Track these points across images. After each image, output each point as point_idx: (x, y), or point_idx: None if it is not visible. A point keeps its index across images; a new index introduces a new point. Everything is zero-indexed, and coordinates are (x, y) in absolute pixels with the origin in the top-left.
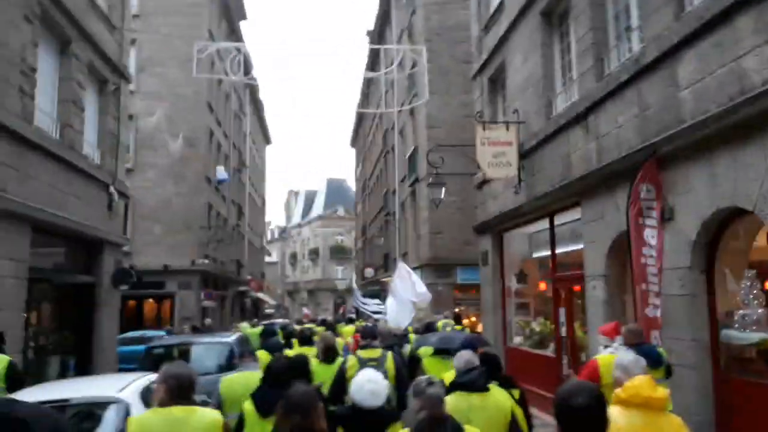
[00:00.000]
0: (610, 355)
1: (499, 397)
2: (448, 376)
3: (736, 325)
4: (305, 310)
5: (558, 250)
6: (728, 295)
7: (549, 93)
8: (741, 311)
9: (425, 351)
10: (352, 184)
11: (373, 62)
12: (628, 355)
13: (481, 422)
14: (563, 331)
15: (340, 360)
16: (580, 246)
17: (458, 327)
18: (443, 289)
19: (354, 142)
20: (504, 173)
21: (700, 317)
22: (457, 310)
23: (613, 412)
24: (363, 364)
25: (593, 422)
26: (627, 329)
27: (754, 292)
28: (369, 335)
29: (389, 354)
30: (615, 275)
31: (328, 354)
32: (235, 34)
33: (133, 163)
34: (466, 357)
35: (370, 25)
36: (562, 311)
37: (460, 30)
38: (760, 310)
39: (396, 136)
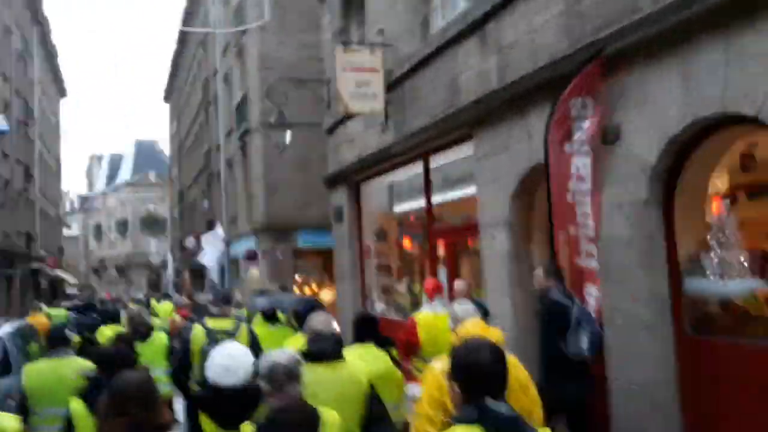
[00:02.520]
0: (428, 314)
1: (353, 369)
2: (292, 343)
3: (708, 273)
4: (105, 293)
5: (436, 199)
6: (692, 233)
7: (424, 8)
8: (711, 254)
9: (256, 319)
10: (165, 147)
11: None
12: (460, 306)
13: (331, 396)
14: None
15: (159, 336)
16: (470, 190)
17: None
18: (282, 256)
19: (168, 96)
20: (369, 107)
21: (657, 264)
22: (298, 277)
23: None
24: (212, 336)
25: (495, 377)
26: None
27: (727, 228)
28: (223, 300)
29: (243, 325)
30: (522, 221)
31: (141, 330)
32: None
33: None
34: (315, 326)
35: None
36: (441, 271)
37: None
38: (736, 251)
39: (219, 83)
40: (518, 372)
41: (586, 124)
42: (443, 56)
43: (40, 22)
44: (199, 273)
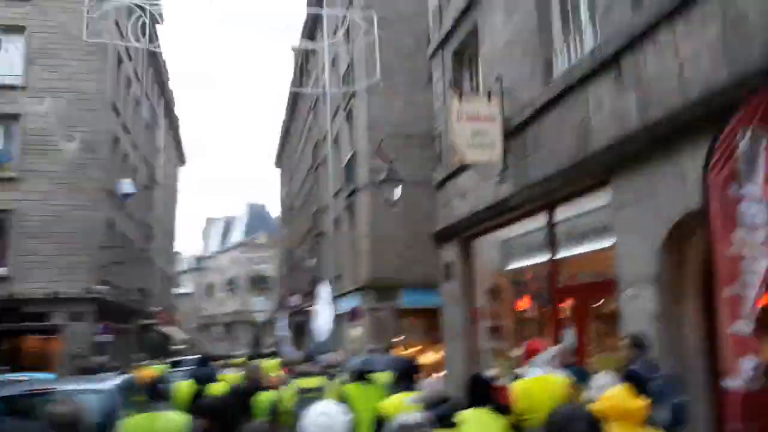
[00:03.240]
0: (525, 380)
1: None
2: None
3: None
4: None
5: (561, 254)
6: None
7: (546, 50)
8: None
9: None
10: (274, 210)
11: (301, 71)
12: (604, 377)
13: None
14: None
15: (266, 395)
16: (604, 243)
17: None
18: (385, 314)
19: (279, 161)
20: (486, 156)
21: None
22: (401, 337)
23: None
24: (301, 394)
25: None
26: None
27: None
28: (307, 358)
29: (331, 384)
30: (671, 278)
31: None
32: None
33: (16, 170)
34: (436, 386)
35: (296, 38)
36: (568, 333)
37: (402, 22)
38: None
39: (329, 145)
40: None
41: (760, 161)
42: (570, 98)
43: (165, 94)
44: (301, 331)
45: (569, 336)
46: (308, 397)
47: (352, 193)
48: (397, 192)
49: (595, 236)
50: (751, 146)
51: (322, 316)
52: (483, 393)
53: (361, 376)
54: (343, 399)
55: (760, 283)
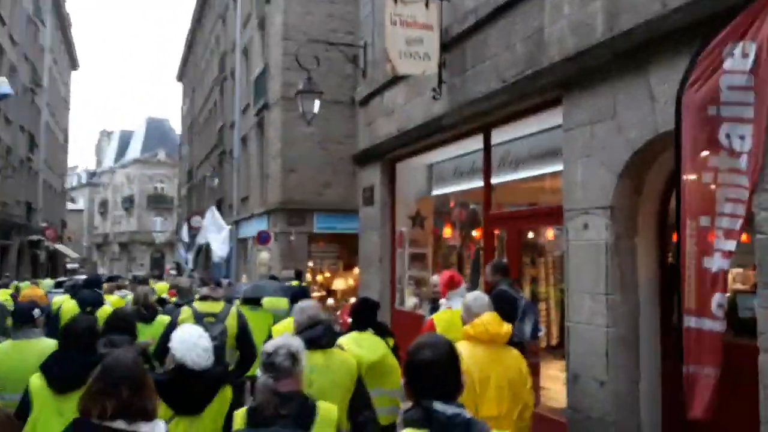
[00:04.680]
0: (445, 312)
1: (345, 356)
2: (279, 329)
3: None
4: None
5: (496, 180)
6: None
7: None
8: None
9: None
10: (176, 126)
11: None
12: (471, 294)
13: (324, 383)
14: None
15: (162, 318)
16: (549, 169)
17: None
18: (296, 239)
19: (182, 74)
20: (421, 68)
21: None
22: (311, 264)
23: (460, 347)
24: (199, 319)
25: (442, 378)
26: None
27: None
28: (213, 281)
29: (233, 308)
30: (628, 207)
31: (143, 312)
32: None
33: None
34: (309, 311)
35: None
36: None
37: None
38: None
39: (238, 56)
40: (521, 364)
41: (749, 79)
42: (522, 6)
43: None
44: (205, 254)
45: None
46: (208, 322)
47: (263, 109)
48: (316, 105)
49: (537, 161)
50: (738, 62)
51: (215, 241)
52: (367, 316)
53: (251, 300)
54: (242, 323)
55: (744, 214)
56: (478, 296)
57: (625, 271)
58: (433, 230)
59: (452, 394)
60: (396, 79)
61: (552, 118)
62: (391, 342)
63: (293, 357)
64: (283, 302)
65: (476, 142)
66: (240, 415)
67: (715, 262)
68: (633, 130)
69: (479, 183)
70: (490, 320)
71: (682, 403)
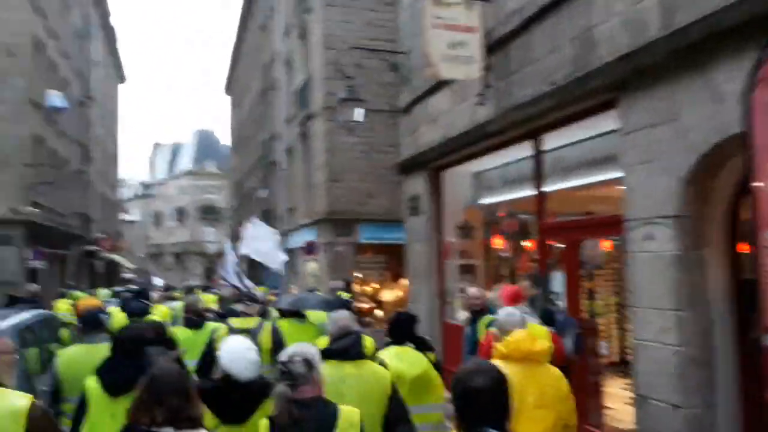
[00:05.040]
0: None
1: (377, 369)
2: (322, 343)
3: None
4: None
5: (548, 188)
6: None
7: None
8: None
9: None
10: (225, 139)
11: None
12: (503, 311)
13: (355, 394)
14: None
15: (210, 326)
16: (607, 175)
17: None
18: (343, 249)
19: (229, 87)
20: (464, 73)
21: None
22: (359, 275)
23: None
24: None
25: (493, 405)
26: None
27: None
28: (247, 298)
29: (267, 324)
30: (694, 217)
31: (192, 319)
32: None
33: None
34: (341, 322)
35: None
36: (557, 277)
37: None
38: None
39: (281, 67)
40: (560, 382)
41: None
42: (570, 4)
43: (100, 2)
44: (257, 264)
45: (557, 281)
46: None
47: (307, 119)
48: (359, 113)
49: (591, 168)
50: None
51: (263, 250)
52: (404, 329)
53: (293, 313)
54: (276, 334)
55: None
56: (511, 312)
57: (695, 285)
58: (482, 241)
59: (503, 421)
60: (439, 85)
61: (605, 121)
62: (433, 357)
63: (308, 363)
64: (323, 316)
65: (524, 149)
66: (263, 426)
67: None
68: (697, 133)
69: (529, 191)
70: (522, 338)
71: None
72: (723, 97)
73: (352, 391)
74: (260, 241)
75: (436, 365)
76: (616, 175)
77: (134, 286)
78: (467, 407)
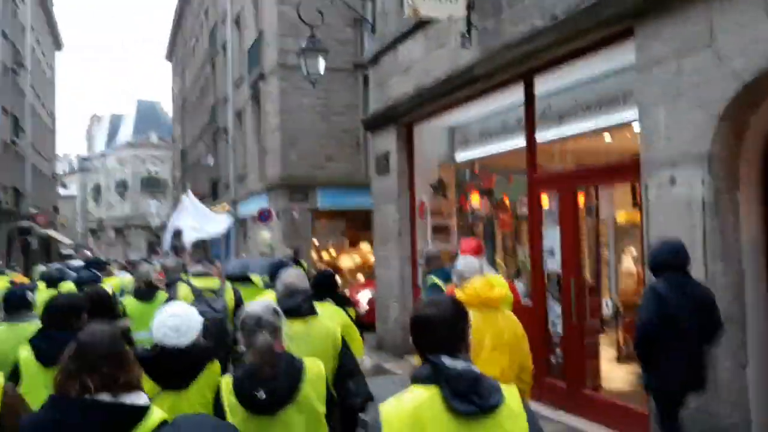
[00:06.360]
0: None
1: (326, 323)
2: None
3: None
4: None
5: (543, 136)
6: None
7: None
8: None
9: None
10: (169, 109)
11: None
12: (462, 259)
13: (305, 351)
14: (551, 264)
15: (161, 296)
16: (616, 117)
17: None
18: (299, 216)
19: (171, 54)
20: (446, 11)
21: None
22: (315, 242)
23: None
24: (198, 295)
25: (447, 334)
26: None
27: None
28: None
29: (229, 284)
30: (729, 156)
31: (146, 288)
32: None
33: None
34: (287, 280)
35: None
36: (551, 234)
37: None
38: None
39: (229, 27)
40: (516, 327)
41: None
42: None
43: None
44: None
45: (552, 236)
46: (209, 297)
47: (258, 80)
48: (321, 64)
49: (596, 111)
50: None
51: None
52: (326, 286)
53: (240, 278)
54: (237, 294)
55: None
56: (469, 260)
57: (726, 234)
58: (459, 199)
59: (459, 349)
60: (411, 31)
61: (615, 57)
62: (353, 312)
63: (278, 314)
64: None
65: (514, 94)
66: (226, 384)
67: None
68: (739, 59)
69: (518, 142)
70: (480, 284)
71: None
72: None
73: (303, 347)
74: (194, 215)
75: (356, 321)
76: (624, 118)
77: (74, 262)
78: (420, 337)
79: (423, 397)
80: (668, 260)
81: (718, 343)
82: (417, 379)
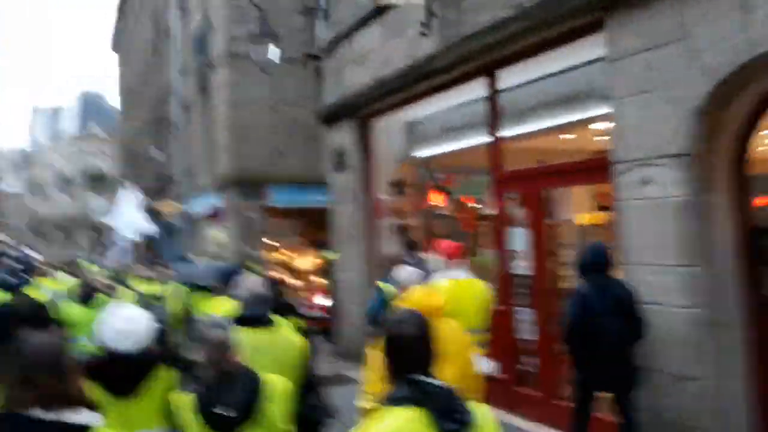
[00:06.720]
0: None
1: (288, 334)
2: (225, 309)
3: None
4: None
5: (506, 133)
6: None
7: None
8: None
9: None
10: (114, 101)
11: None
12: (403, 270)
13: (268, 363)
14: (518, 267)
15: (101, 300)
16: (584, 114)
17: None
18: (254, 215)
19: (116, 44)
20: None
21: None
22: (267, 242)
23: None
24: (144, 302)
25: (422, 352)
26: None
27: None
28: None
29: (178, 289)
30: (705, 155)
31: (85, 293)
32: None
33: None
34: (251, 286)
35: None
36: (517, 234)
37: None
38: None
39: (174, 12)
40: (459, 336)
41: None
42: None
43: None
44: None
45: (518, 238)
46: (153, 304)
47: (205, 69)
48: (274, 52)
49: (562, 106)
50: None
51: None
52: (264, 305)
53: (190, 283)
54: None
55: None
56: (410, 271)
57: (704, 236)
58: (420, 197)
59: (430, 367)
60: (368, 18)
61: (583, 49)
62: (303, 323)
63: (226, 329)
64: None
65: (476, 89)
66: (186, 399)
67: None
68: (713, 54)
69: (480, 138)
70: (419, 294)
71: None
72: (751, 6)
73: (265, 357)
74: (126, 210)
75: (302, 329)
76: (593, 114)
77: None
78: (398, 356)
79: (407, 418)
80: (592, 263)
81: (640, 343)
82: (396, 400)
